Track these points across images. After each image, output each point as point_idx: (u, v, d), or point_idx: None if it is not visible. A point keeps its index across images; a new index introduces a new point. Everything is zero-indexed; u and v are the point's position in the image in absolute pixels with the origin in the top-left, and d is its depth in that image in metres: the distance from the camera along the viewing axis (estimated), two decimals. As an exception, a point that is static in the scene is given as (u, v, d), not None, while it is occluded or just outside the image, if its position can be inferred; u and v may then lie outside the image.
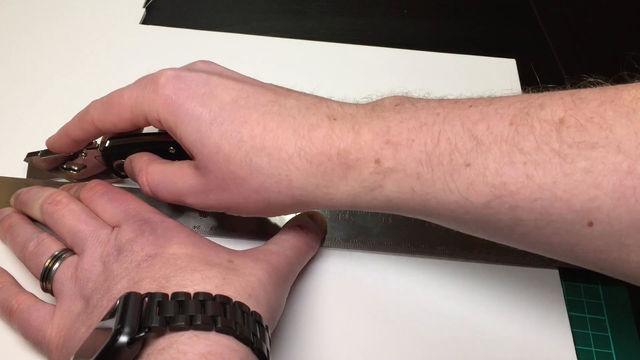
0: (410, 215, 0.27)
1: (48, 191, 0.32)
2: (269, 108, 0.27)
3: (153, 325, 0.22)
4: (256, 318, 0.24)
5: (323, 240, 0.34)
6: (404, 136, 0.25)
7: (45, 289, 0.28)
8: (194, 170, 0.28)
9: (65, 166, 0.35)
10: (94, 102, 0.31)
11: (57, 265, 0.28)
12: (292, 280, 0.30)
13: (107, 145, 0.32)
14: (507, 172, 0.23)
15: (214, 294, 0.24)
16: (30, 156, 0.35)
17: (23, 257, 0.30)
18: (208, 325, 0.23)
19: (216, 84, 0.28)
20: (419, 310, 0.33)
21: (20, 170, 0.37)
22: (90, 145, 0.33)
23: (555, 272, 0.35)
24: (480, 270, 0.34)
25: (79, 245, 0.29)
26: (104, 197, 0.30)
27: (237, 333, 0.23)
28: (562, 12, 0.54)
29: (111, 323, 0.22)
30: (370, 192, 0.26)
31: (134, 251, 0.27)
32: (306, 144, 0.26)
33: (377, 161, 0.25)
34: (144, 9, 0.49)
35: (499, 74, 0.46)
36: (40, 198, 0.31)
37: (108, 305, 0.25)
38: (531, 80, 0.46)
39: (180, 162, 0.30)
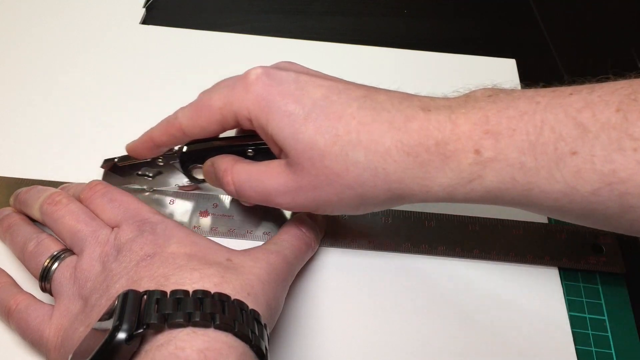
0: (508, 206, 0.27)
1: (48, 191, 0.32)
2: (362, 103, 0.27)
3: (151, 322, 0.22)
4: (255, 316, 0.25)
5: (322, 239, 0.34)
6: (504, 125, 0.25)
7: (44, 289, 0.28)
8: (284, 168, 0.28)
9: (140, 172, 0.34)
10: (181, 108, 0.31)
11: (56, 265, 0.28)
12: (291, 280, 0.30)
13: (184, 150, 0.32)
14: (616, 159, 0.23)
15: (212, 292, 0.24)
16: (107, 162, 0.34)
17: (22, 257, 0.30)
18: (206, 322, 0.23)
19: (305, 81, 0.28)
20: (418, 309, 0.33)
21: (20, 170, 0.37)
22: (167, 150, 0.33)
23: (555, 272, 0.35)
24: (480, 270, 0.34)
25: (78, 245, 0.29)
26: (104, 197, 0.30)
27: (236, 330, 0.23)
28: (562, 12, 0.54)
29: (109, 324, 0.22)
30: (468, 183, 0.25)
31: (133, 251, 0.27)
32: (403, 136, 0.25)
33: (477, 151, 0.25)
34: (144, 9, 0.49)
35: (499, 74, 0.46)
36: (40, 198, 0.31)
37: (107, 305, 0.25)
38: (531, 80, 0.46)
39: (268, 161, 0.29)
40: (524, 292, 0.34)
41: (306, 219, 0.33)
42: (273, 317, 0.27)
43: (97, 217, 0.30)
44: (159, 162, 0.33)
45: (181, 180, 0.35)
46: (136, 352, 0.23)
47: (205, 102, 0.29)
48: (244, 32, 0.48)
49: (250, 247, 0.30)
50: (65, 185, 0.34)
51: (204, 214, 0.35)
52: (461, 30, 0.51)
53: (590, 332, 0.33)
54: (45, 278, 0.28)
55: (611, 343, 0.32)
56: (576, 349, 0.32)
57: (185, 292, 0.24)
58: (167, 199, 0.36)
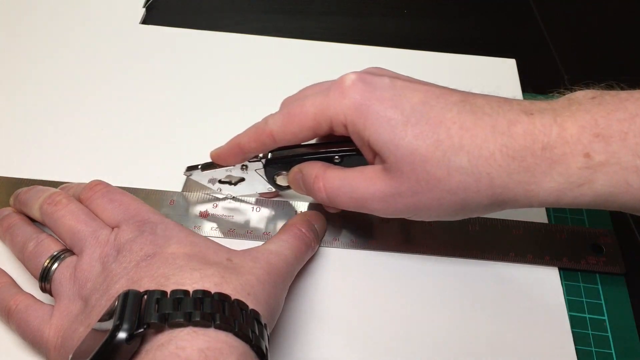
0: (617, 210, 0.27)
1: (48, 191, 0.32)
2: (461, 107, 0.27)
3: (152, 321, 0.22)
4: (255, 316, 0.25)
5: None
6: (615, 128, 0.24)
7: (44, 289, 0.28)
8: (381, 174, 0.28)
9: (222, 179, 0.34)
10: (271, 115, 0.30)
11: (56, 265, 0.28)
12: (291, 280, 0.30)
13: (269, 157, 0.32)
14: None
15: (212, 292, 0.24)
16: (190, 169, 0.34)
17: (22, 257, 0.30)
18: (207, 321, 0.23)
19: (401, 86, 0.28)
20: (419, 309, 0.33)
21: (20, 170, 0.37)
22: (252, 157, 0.32)
23: (555, 272, 0.35)
24: (480, 270, 0.34)
25: (78, 245, 0.29)
26: (104, 197, 0.30)
27: (236, 330, 0.23)
28: (562, 12, 0.54)
29: (109, 324, 0.22)
30: (577, 187, 0.25)
31: (133, 251, 0.27)
32: (508, 140, 0.25)
33: (587, 155, 0.25)
34: (144, 9, 0.49)
35: (499, 74, 0.46)
36: (39, 198, 0.31)
37: (107, 305, 0.25)
38: (531, 80, 0.46)
39: (362, 167, 0.29)
40: (524, 292, 0.34)
41: (306, 219, 0.33)
42: (273, 317, 0.27)
43: (97, 218, 0.30)
44: (243, 168, 0.33)
45: (263, 187, 0.35)
46: (136, 352, 0.23)
47: (297, 108, 0.29)
48: (244, 32, 0.48)
49: (250, 247, 0.30)
50: (65, 185, 0.34)
51: (204, 214, 0.35)
52: (461, 30, 0.51)
53: (590, 332, 0.33)
54: (45, 278, 0.28)
55: (611, 343, 0.32)
56: (576, 349, 0.32)
57: (186, 292, 0.24)
58: (167, 199, 0.36)
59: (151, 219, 0.29)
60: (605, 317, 0.33)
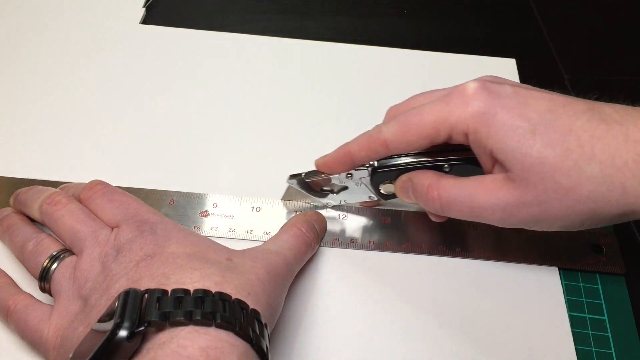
0: None
1: (47, 191, 0.32)
2: (590, 116, 0.26)
3: (153, 319, 0.22)
4: (255, 315, 0.25)
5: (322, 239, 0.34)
6: None
7: (43, 289, 0.28)
8: (502, 183, 0.27)
9: (326, 188, 0.34)
10: (384, 124, 0.30)
11: (55, 265, 0.28)
12: (291, 280, 0.30)
13: (376, 166, 0.32)
14: None
15: (213, 291, 0.24)
16: (293, 177, 0.34)
17: (22, 257, 0.30)
18: (207, 320, 0.23)
19: (525, 94, 0.27)
20: (419, 309, 0.33)
21: (20, 170, 0.37)
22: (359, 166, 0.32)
23: (556, 272, 0.35)
24: (480, 270, 0.34)
25: (77, 245, 0.29)
26: (104, 197, 0.30)
27: (237, 329, 0.23)
28: (562, 12, 0.54)
29: (109, 325, 0.22)
30: None
31: (133, 251, 0.27)
32: None
33: None
34: (144, 9, 0.49)
35: (499, 74, 0.45)
36: (39, 198, 0.31)
37: (106, 305, 0.25)
38: (531, 80, 0.46)
39: (479, 177, 0.29)
40: (524, 291, 0.34)
41: (306, 218, 0.33)
42: (273, 317, 0.27)
43: (97, 218, 0.30)
44: (348, 177, 0.32)
45: (365, 195, 0.34)
46: (137, 351, 0.23)
47: (415, 117, 0.29)
48: (244, 32, 0.48)
49: (250, 247, 0.30)
50: (65, 185, 0.34)
51: (204, 213, 0.35)
52: (461, 30, 0.51)
53: (590, 332, 0.33)
54: (44, 278, 0.28)
55: (611, 343, 0.32)
56: (576, 349, 0.32)
57: (186, 291, 0.24)
58: (167, 199, 0.36)
59: (151, 219, 0.29)
60: (605, 317, 0.33)
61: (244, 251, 0.29)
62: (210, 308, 0.23)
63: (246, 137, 0.40)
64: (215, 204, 0.36)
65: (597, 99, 0.28)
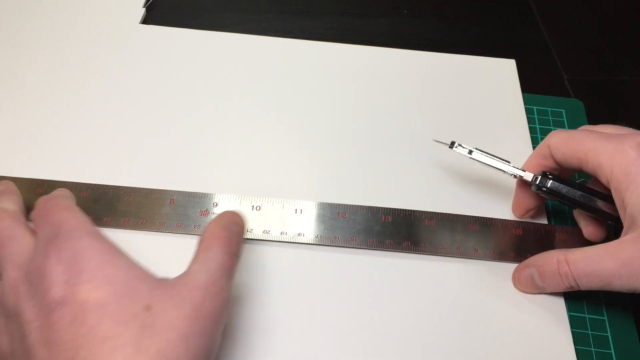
0: None
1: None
2: None
3: None
4: None
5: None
6: None
7: None
8: (633, 244, 0.27)
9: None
10: (559, 130, 0.32)
11: None
12: (227, 305, 0.26)
13: (548, 182, 0.32)
14: None
15: None
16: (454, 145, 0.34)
17: None
18: None
19: None
20: (417, 309, 0.33)
21: (20, 170, 0.37)
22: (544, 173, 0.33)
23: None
24: (480, 269, 0.34)
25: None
26: (43, 207, 0.28)
27: None
28: (562, 12, 0.54)
29: None
30: None
31: (44, 287, 0.24)
32: None
33: None
34: (144, 9, 0.49)
35: (499, 74, 0.46)
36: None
37: (25, 356, 0.23)
38: (531, 80, 0.46)
39: (605, 244, 0.29)
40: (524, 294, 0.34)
41: (226, 222, 0.29)
42: None
43: (24, 237, 0.27)
44: (514, 176, 0.34)
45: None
46: None
47: (580, 136, 0.30)
48: (244, 32, 0.48)
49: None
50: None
51: (204, 213, 0.35)
52: (461, 30, 0.51)
53: (590, 332, 0.33)
54: None
55: (611, 343, 0.32)
56: (576, 349, 0.32)
57: None
58: (167, 199, 0.36)
59: (64, 229, 0.25)
60: (605, 317, 0.33)
61: (168, 289, 0.24)
62: None
63: (246, 136, 0.40)
64: (215, 203, 0.36)
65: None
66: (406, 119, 0.42)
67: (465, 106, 0.43)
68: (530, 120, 0.43)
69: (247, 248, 0.34)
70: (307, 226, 0.35)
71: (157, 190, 0.36)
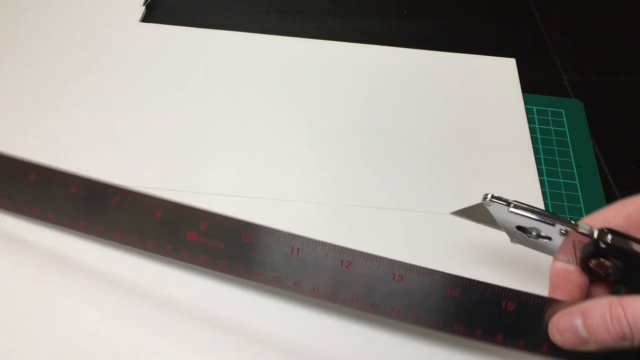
0: None
1: None
2: None
3: None
4: None
5: None
6: None
7: None
8: None
9: (527, 226, 0.28)
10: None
11: None
12: None
13: (605, 238, 0.26)
14: None
15: None
16: (495, 200, 0.27)
17: None
18: None
19: None
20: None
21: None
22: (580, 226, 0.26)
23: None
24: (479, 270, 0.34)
25: None
26: None
27: None
28: (562, 12, 0.54)
29: None
30: None
31: None
32: None
33: None
34: (144, 7, 0.49)
35: (499, 73, 0.46)
36: None
37: None
38: (531, 80, 0.46)
39: None
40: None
41: None
42: None
43: None
44: (562, 233, 0.27)
45: (563, 257, 0.28)
46: None
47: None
48: (244, 31, 0.48)
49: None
50: None
51: (193, 237, 0.31)
52: (461, 30, 0.51)
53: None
54: None
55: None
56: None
57: None
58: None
59: None
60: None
61: None
62: None
63: (245, 133, 0.40)
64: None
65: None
66: (406, 118, 0.42)
67: (465, 105, 0.43)
68: (530, 120, 0.43)
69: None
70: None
71: (145, 195, 0.32)
